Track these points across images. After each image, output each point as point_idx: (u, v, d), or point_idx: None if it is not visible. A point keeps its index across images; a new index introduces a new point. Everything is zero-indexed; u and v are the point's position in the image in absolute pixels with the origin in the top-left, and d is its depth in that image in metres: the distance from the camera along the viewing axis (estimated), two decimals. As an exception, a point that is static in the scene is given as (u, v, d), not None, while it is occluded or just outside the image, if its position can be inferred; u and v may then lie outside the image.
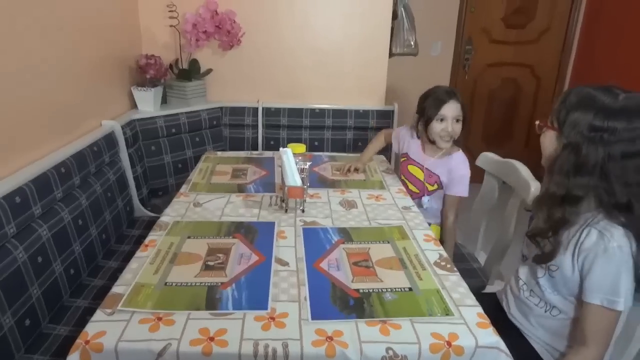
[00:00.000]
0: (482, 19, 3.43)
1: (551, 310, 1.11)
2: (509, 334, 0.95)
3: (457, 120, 1.70)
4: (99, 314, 0.95)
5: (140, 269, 1.12)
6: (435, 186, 1.77)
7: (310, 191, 1.62)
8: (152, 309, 0.97)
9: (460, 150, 1.76)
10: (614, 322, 1.01)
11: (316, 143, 2.49)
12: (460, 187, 1.72)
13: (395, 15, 2.54)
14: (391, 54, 2.59)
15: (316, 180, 1.77)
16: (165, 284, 1.07)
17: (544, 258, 1.08)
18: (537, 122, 1.13)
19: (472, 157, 1.77)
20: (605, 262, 0.97)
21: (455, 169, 1.72)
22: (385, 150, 2.18)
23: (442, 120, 1.69)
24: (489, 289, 1.56)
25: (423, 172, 1.80)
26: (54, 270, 1.34)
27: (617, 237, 0.97)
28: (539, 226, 1.09)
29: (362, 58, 2.49)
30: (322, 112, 2.48)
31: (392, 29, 2.55)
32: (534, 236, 1.10)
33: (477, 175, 1.77)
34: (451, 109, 1.68)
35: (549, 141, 1.09)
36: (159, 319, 0.94)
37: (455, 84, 3.56)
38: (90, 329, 0.90)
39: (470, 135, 3.42)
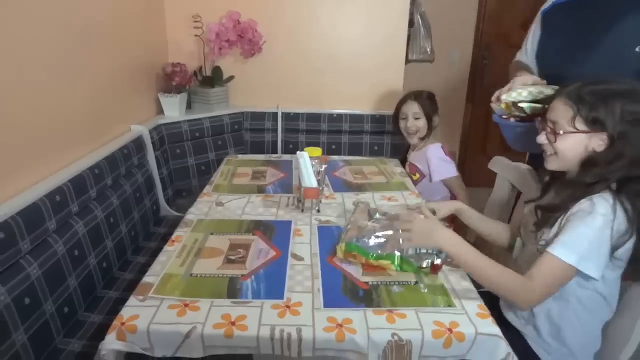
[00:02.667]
0: (501, 25, 3.44)
1: None
2: (506, 333, 0.99)
3: (417, 118, 2.03)
4: (132, 300, 1.05)
5: (168, 261, 1.22)
6: (417, 175, 1.99)
7: (329, 193, 1.71)
8: (180, 297, 1.06)
9: (437, 143, 2.00)
10: (562, 274, 1.02)
11: (333, 146, 2.56)
12: (444, 168, 1.95)
13: (411, 23, 2.60)
14: (407, 61, 2.66)
15: (342, 185, 1.82)
16: (191, 274, 1.16)
17: (541, 223, 1.12)
18: (545, 134, 1.12)
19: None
20: (579, 221, 1.01)
21: (432, 158, 1.97)
22: (399, 154, 2.25)
23: (404, 118, 2.08)
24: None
25: (407, 165, 2.14)
26: (89, 264, 1.46)
27: (604, 207, 1.00)
28: (554, 202, 1.12)
29: (379, 64, 2.55)
30: (340, 116, 2.55)
31: (409, 36, 2.61)
32: (545, 209, 1.12)
33: (490, 178, 1.83)
34: (409, 108, 2.05)
35: (574, 144, 1.07)
36: (186, 305, 1.03)
37: (474, 90, 3.60)
38: (125, 312, 1.00)
39: (488, 141, 3.46)
